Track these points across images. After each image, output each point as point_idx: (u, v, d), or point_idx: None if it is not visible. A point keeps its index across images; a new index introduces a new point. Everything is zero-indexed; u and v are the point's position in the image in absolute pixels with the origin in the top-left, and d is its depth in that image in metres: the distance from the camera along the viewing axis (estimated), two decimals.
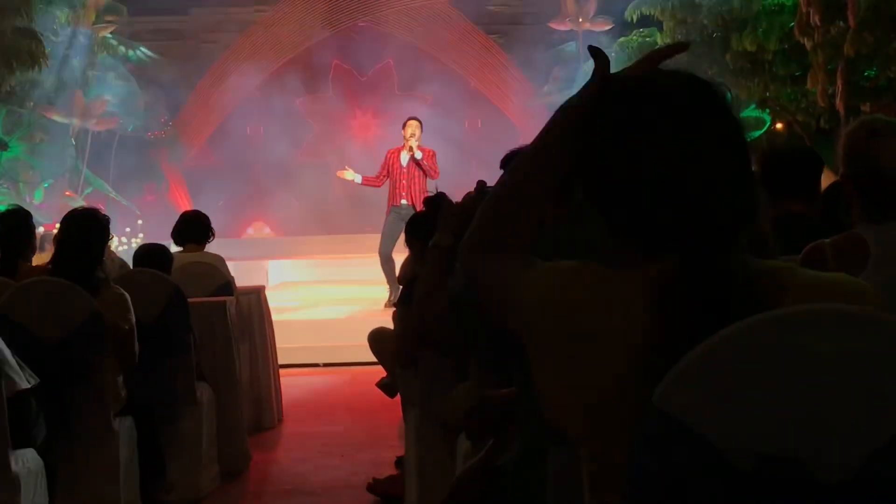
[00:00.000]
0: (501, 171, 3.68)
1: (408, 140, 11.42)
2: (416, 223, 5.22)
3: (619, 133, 1.58)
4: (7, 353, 4.03)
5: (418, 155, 11.32)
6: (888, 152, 3.19)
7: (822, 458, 1.35)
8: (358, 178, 11.90)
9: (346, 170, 12.13)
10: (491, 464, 2.79)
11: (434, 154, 11.69)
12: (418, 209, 11.16)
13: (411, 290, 4.85)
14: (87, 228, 4.99)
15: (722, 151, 1.56)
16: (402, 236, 11.02)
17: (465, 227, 2.82)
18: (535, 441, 2.48)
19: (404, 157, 11.43)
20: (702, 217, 1.52)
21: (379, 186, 11.82)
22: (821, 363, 1.37)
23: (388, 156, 11.68)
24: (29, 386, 4.08)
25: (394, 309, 10.48)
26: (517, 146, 3.77)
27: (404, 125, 11.64)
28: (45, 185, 13.86)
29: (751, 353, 1.38)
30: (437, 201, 5.19)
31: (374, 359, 9.26)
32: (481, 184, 2.88)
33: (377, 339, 6.01)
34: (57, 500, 4.48)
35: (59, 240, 5.04)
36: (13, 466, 4.01)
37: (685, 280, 1.48)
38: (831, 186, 3.83)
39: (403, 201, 11.35)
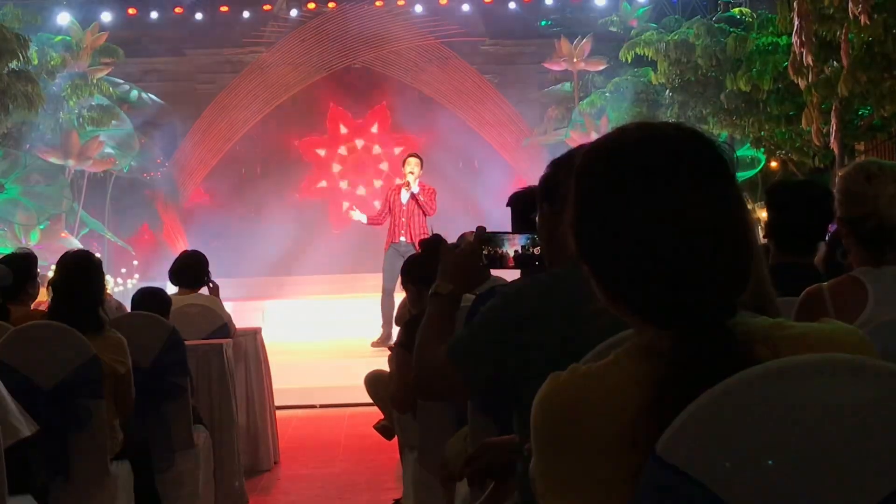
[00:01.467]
0: (509, 209, 3.71)
1: (407, 176, 11.47)
2: (412, 265, 5.22)
3: (609, 196, 1.52)
4: (8, 399, 4.02)
5: (416, 190, 11.35)
6: (885, 196, 3.21)
7: None
8: (363, 218, 11.96)
9: (353, 209, 12.24)
10: None
11: (434, 192, 11.71)
12: (419, 247, 11.19)
13: (408, 333, 4.85)
14: (84, 271, 5.00)
15: (723, 217, 1.49)
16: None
17: (465, 273, 2.84)
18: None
19: (404, 195, 11.47)
20: (701, 287, 1.46)
21: (382, 224, 11.86)
22: (823, 414, 1.37)
23: (389, 193, 11.74)
24: (30, 434, 4.07)
25: (388, 351, 10.49)
26: (522, 187, 3.79)
27: (404, 162, 11.69)
28: (41, 226, 13.86)
29: (752, 404, 1.38)
30: (433, 243, 5.21)
31: (370, 400, 9.27)
32: (481, 230, 2.88)
33: (374, 382, 6.01)
34: None
35: (57, 284, 5.03)
36: None
37: (684, 353, 1.45)
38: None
39: (402, 238, 11.37)
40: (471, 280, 2.85)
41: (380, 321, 11.76)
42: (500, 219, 3.13)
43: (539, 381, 2.47)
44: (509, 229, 3.08)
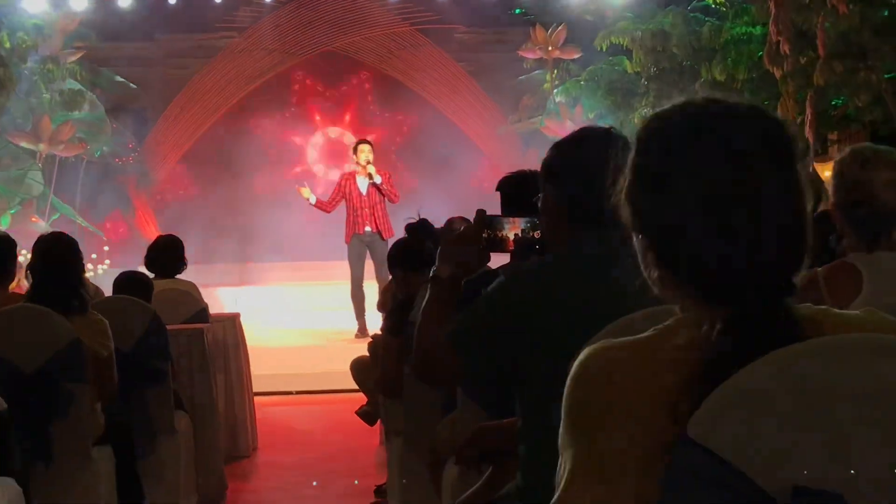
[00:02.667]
0: (498, 193, 3.70)
1: (364, 166, 11.32)
2: (398, 251, 5.20)
3: (679, 169, 1.49)
4: None
5: (378, 179, 11.24)
6: (879, 182, 3.22)
7: (860, 491, 1.34)
8: (312, 199, 11.74)
9: (304, 187, 11.99)
10: (490, 494, 2.77)
11: (390, 175, 11.62)
12: (384, 235, 11.14)
13: (396, 319, 4.83)
14: (62, 252, 4.94)
15: (791, 197, 1.48)
16: (371, 264, 11.05)
17: (465, 257, 2.82)
18: (539, 473, 2.46)
19: (362, 183, 11.31)
20: (765, 266, 1.45)
21: (329, 212, 11.71)
22: (858, 394, 1.36)
23: (343, 181, 11.55)
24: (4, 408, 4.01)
25: (370, 338, 10.48)
26: (514, 171, 3.77)
27: (355, 149, 11.54)
28: (12, 211, 13.73)
29: (786, 383, 1.37)
30: (418, 228, 5.19)
31: (346, 386, 9.24)
32: (481, 212, 2.86)
33: (360, 367, 5.99)
34: None
35: (35, 266, 4.97)
36: None
37: (738, 331, 1.44)
38: (821, 215, 3.84)
39: (367, 228, 11.27)
40: (471, 264, 2.83)
41: (348, 310, 11.73)
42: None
43: (541, 364, 2.47)
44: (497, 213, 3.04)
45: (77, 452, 4.78)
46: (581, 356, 1.52)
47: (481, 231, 2.82)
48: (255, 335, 11.30)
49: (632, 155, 1.55)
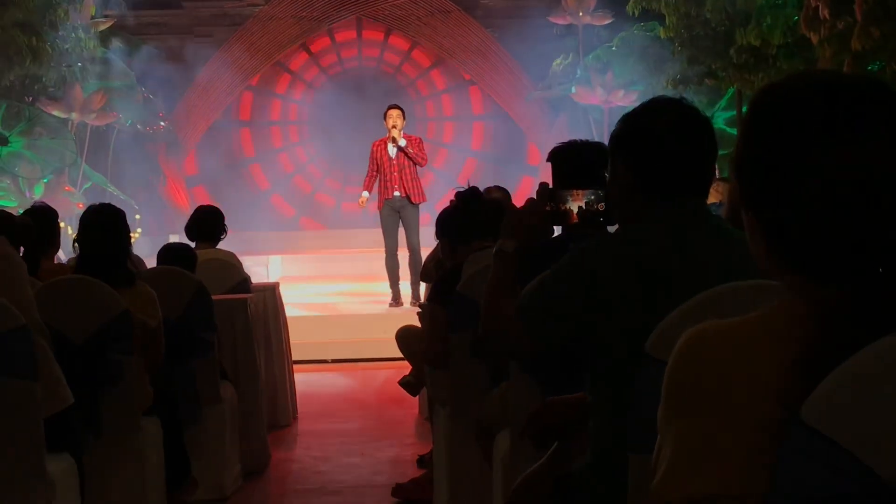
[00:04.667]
0: (549, 164, 3.67)
1: (391, 131, 11.28)
2: (446, 219, 5.17)
3: (795, 142, 1.43)
4: (55, 365, 4.00)
5: (402, 143, 11.20)
6: None
7: None
8: (366, 194, 11.65)
9: (362, 197, 11.80)
10: (557, 470, 2.76)
11: (420, 141, 11.56)
12: (413, 199, 11.12)
13: (443, 289, 4.82)
14: (109, 223, 4.95)
15: None
16: (402, 230, 11.03)
17: (530, 232, 2.80)
18: (610, 449, 2.44)
19: (391, 149, 11.28)
20: (882, 244, 1.40)
21: (371, 186, 11.69)
22: None
23: (374, 149, 11.49)
24: (72, 402, 4.06)
25: (406, 306, 10.47)
26: (565, 141, 3.74)
27: (385, 115, 11.50)
28: (45, 180, 13.77)
29: None
30: (469, 196, 5.15)
31: (381, 355, 9.28)
32: (543, 185, 2.84)
33: (405, 336, 5.97)
34: (88, 498, 4.45)
35: (83, 238, 4.98)
36: (49, 469, 3.97)
37: (855, 310, 1.41)
38: None
39: (396, 193, 11.23)
40: (534, 237, 2.81)
41: (378, 279, 11.71)
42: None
43: (614, 338, 2.45)
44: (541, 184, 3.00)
45: (126, 423, 4.79)
46: (683, 338, 1.49)
47: (545, 205, 2.80)
48: (289, 303, 11.36)
49: (743, 128, 1.51)
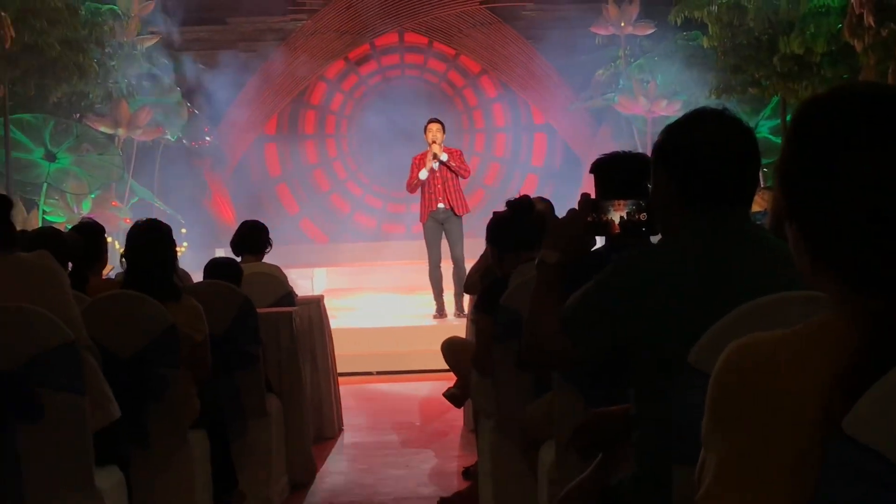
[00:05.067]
0: (592, 175, 3.68)
1: (431, 146, 11.29)
2: (495, 227, 5.16)
3: (840, 153, 1.43)
4: (103, 381, 4.05)
5: (444, 157, 11.22)
6: None
7: None
8: (435, 165, 11.55)
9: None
10: (602, 482, 2.76)
11: (461, 153, 11.57)
12: (457, 211, 11.14)
13: (488, 298, 4.82)
14: (156, 239, 5.01)
15: None
16: (444, 243, 11.04)
17: (572, 243, 2.80)
18: (654, 461, 2.44)
19: (433, 163, 11.28)
20: None
21: (412, 193, 11.69)
22: None
23: (416, 162, 11.52)
24: (119, 416, 4.11)
25: (446, 318, 10.47)
26: (608, 153, 3.75)
27: (425, 129, 11.51)
28: (93, 195, 13.89)
29: None
30: (518, 205, 5.16)
31: (426, 367, 9.30)
32: (585, 196, 2.84)
33: (451, 347, 5.97)
34: None
35: (130, 253, 5.03)
36: (98, 482, 4.01)
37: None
38: None
39: (440, 205, 11.26)
40: (576, 249, 2.81)
41: (421, 291, 11.73)
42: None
43: (657, 349, 2.45)
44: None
45: (173, 436, 4.84)
46: (727, 350, 1.49)
47: (587, 215, 2.80)
48: (333, 315, 11.40)
49: (787, 139, 1.51)
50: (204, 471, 5.08)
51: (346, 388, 8.57)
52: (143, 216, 5.33)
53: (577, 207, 2.84)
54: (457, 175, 11.28)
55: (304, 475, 6.25)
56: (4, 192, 13.50)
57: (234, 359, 5.48)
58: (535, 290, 2.77)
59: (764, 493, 1.42)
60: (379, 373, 10.13)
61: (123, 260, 5.02)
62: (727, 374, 1.47)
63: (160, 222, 5.09)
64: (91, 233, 5.59)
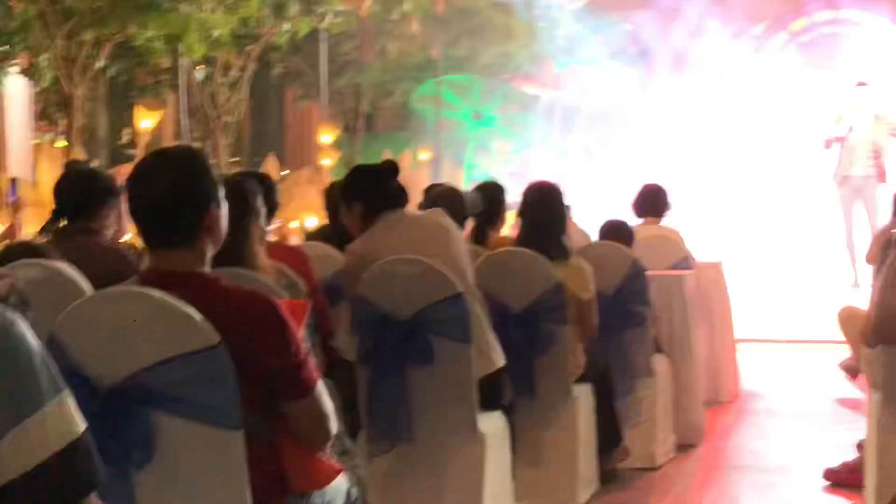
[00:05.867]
0: None
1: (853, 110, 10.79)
2: None
3: None
4: (488, 330, 4.34)
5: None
6: None
7: None
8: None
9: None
10: None
11: None
12: (880, 178, 10.63)
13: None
14: (547, 200, 5.24)
15: None
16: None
17: None
18: None
19: (862, 119, 10.75)
20: None
21: (826, 148, 11.20)
22: None
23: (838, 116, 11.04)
24: (503, 364, 4.38)
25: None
26: None
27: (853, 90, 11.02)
28: (517, 153, 14.40)
29: None
30: None
31: (836, 337, 9.03)
32: None
33: (847, 318, 5.83)
34: (518, 458, 4.76)
35: (524, 212, 5.29)
36: (481, 427, 4.29)
37: None
38: None
39: (859, 171, 10.80)
40: None
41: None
42: None
43: None
44: None
45: (558, 388, 5.07)
46: None
47: None
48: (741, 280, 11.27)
49: None
50: (588, 424, 5.28)
51: (749, 355, 8.50)
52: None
53: None
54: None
55: (692, 436, 6.30)
56: (433, 149, 14.33)
57: (623, 318, 5.63)
58: (888, 267, 2.73)
59: None
60: (787, 341, 9.94)
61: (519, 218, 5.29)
62: None
63: (550, 185, 5.32)
64: (492, 192, 5.90)
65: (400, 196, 4.46)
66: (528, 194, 5.26)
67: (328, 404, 2.59)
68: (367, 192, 4.46)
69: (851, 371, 5.98)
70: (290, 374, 2.50)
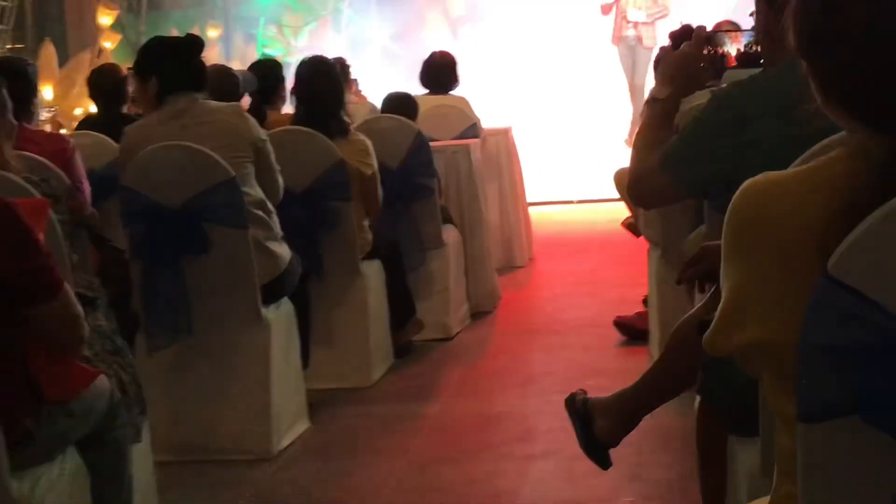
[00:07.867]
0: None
1: None
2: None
3: None
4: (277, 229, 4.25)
5: None
6: None
7: None
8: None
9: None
10: (705, 317, 2.74)
11: None
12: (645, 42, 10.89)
13: None
14: (323, 76, 5.10)
15: None
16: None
17: (688, 78, 2.73)
18: None
19: None
20: None
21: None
22: None
23: None
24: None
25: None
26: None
27: None
28: (309, 27, 14.06)
29: None
30: (680, 35, 4.98)
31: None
32: (701, 29, 2.76)
33: (621, 178, 5.91)
34: (310, 340, 4.72)
35: (298, 91, 5.16)
36: (266, 315, 4.21)
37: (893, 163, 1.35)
38: None
39: (630, 31, 11.11)
40: (691, 83, 2.75)
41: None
42: None
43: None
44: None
45: (346, 265, 5.03)
46: (741, 187, 1.48)
47: (702, 48, 2.72)
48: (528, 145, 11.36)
49: None
50: (379, 300, 5.27)
51: (541, 218, 8.60)
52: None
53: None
54: None
55: (486, 304, 6.36)
56: (223, 26, 13.86)
57: (410, 191, 5.60)
58: (643, 126, 2.73)
59: (765, 327, 1.42)
60: (579, 202, 10.12)
61: (292, 96, 5.15)
62: (733, 211, 1.47)
63: (323, 60, 5.18)
64: (269, 70, 5.74)
65: (199, 77, 4.23)
66: (301, 70, 5.10)
67: (77, 306, 2.47)
68: (164, 67, 4.16)
69: (633, 229, 6.09)
70: (32, 276, 2.37)
